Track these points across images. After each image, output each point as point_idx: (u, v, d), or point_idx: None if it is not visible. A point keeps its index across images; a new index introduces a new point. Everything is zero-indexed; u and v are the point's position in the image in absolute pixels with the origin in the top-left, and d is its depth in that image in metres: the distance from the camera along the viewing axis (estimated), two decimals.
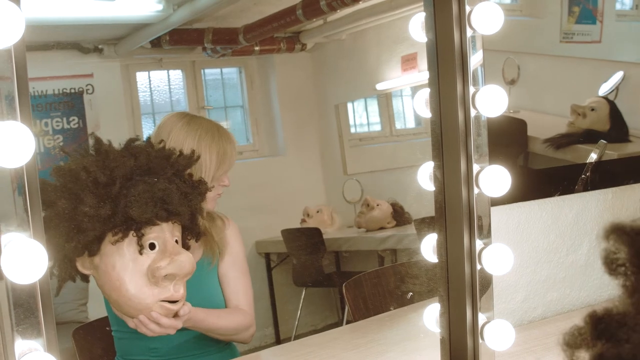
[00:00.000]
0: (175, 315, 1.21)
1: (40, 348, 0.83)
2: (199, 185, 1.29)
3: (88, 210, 1.15)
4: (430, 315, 1.28)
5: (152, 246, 1.20)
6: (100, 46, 3.01)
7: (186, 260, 1.19)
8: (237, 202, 2.58)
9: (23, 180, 0.81)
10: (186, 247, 1.28)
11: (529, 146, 2.44)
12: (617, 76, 2.46)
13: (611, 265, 0.46)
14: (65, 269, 1.22)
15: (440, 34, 1.17)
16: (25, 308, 0.81)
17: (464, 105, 1.16)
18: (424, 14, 1.20)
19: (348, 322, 1.87)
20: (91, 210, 1.15)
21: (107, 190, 1.17)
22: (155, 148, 1.25)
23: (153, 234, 1.19)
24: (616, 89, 2.42)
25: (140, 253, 1.18)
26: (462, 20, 1.15)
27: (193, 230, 1.29)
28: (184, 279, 1.21)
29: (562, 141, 2.29)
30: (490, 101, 1.15)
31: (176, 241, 1.23)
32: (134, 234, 1.18)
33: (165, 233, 1.20)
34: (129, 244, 1.18)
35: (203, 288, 1.38)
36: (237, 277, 1.43)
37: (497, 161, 1.19)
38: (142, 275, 1.18)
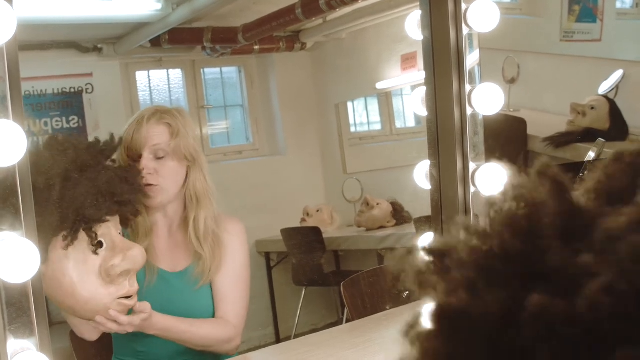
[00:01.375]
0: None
1: (33, 347, 0.82)
2: (128, 167, 1.25)
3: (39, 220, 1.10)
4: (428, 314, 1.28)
5: (99, 244, 1.13)
6: (99, 45, 3.00)
7: (139, 254, 1.14)
8: (236, 202, 2.58)
9: (15, 179, 0.81)
10: (126, 223, 1.25)
11: (528, 145, 2.44)
12: (617, 75, 2.46)
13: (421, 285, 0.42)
14: None
15: (437, 31, 1.16)
16: (17, 307, 0.81)
17: (460, 104, 1.16)
18: (420, 11, 1.20)
19: (348, 321, 1.87)
20: (39, 219, 1.01)
21: (48, 195, 1.09)
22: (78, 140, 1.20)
23: (100, 231, 1.13)
24: (616, 87, 2.42)
25: (96, 253, 1.12)
26: (459, 18, 1.14)
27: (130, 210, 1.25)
28: (135, 272, 1.17)
29: (561, 140, 2.28)
30: (486, 99, 1.15)
31: (121, 234, 1.18)
32: (87, 235, 1.11)
33: (110, 229, 1.14)
34: (77, 248, 1.11)
35: (184, 299, 1.31)
36: (229, 285, 1.36)
37: (496, 159, 1.19)
38: (95, 277, 1.12)
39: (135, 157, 1.26)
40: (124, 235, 1.19)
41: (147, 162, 1.26)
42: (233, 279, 1.35)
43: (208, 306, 1.33)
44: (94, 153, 1.15)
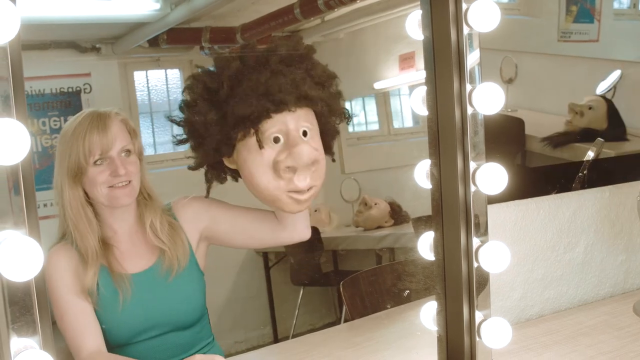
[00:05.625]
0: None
1: (36, 346, 0.82)
2: (313, 67, 1.30)
3: (199, 119, 1.23)
4: (427, 313, 1.28)
5: (276, 140, 1.23)
6: (97, 45, 3.00)
7: (303, 151, 1.22)
8: (233, 202, 2.57)
9: (19, 177, 0.81)
10: (330, 127, 1.33)
11: (526, 145, 2.44)
12: (615, 75, 2.46)
13: None
14: (212, 173, 1.31)
15: (437, 31, 1.17)
16: (20, 306, 0.81)
17: (460, 103, 1.16)
18: (420, 11, 1.20)
19: (346, 321, 1.87)
20: (201, 117, 1.23)
21: (218, 95, 1.23)
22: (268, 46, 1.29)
23: (274, 128, 1.22)
24: (614, 87, 2.42)
25: (261, 147, 1.22)
26: (459, 17, 1.15)
27: (329, 111, 1.32)
28: (307, 169, 1.24)
29: (559, 140, 2.29)
30: (487, 99, 1.15)
31: (304, 132, 1.25)
32: (253, 131, 1.21)
33: (287, 125, 1.23)
34: (254, 141, 1.22)
35: (162, 295, 1.29)
36: (244, 217, 1.39)
37: (494, 159, 1.19)
38: (268, 169, 1.23)
39: (94, 159, 1.24)
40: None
41: (120, 162, 1.25)
42: (239, 215, 1.38)
43: (186, 297, 1.32)
44: (269, 56, 1.24)
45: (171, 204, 1.36)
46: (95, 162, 1.24)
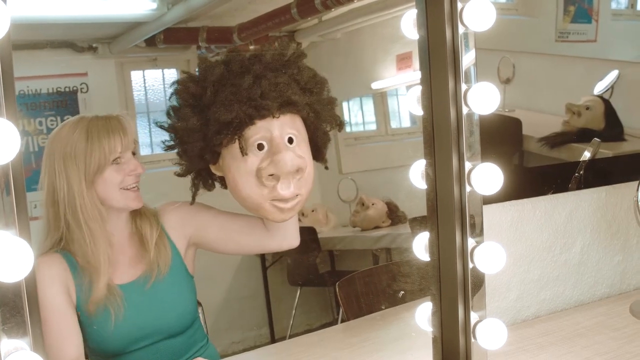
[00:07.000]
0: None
1: (27, 347, 0.82)
2: (299, 73, 1.27)
3: (181, 124, 1.20)
4: (423, 314, 1.28)
5: (260, 147, 1.20)
6: (94, 45, 2.99)
7: (286, 159, 1.18)
8: (231, 202, 2.57)
9: (9, 177, 0.80)
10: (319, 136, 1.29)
11: (524, 145, 2.43)
12: (612, 75, 2.46)
13: None
14: (199, 179, 1.29)
15: (432, 30, 1.16)
16: (11, 307, 0.81)
17: (455, 103, 1.16)
18: (416, 10, 1.20)
19: (343, 322, 1.87)
20: (183, 123, 1.20)
21: (202, 100, 1.20)
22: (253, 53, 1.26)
23: (258, 134, 1.19)
24: (611, 87, 2.42)
25: (244, 154, 1.19)
26: (454, 16, 1.14)
27: (317, 117, 1.28)
28: (291, 177, 1.21)
29: (557, 140, 2.28)
30: (482, 98, 1.15)
31: (290, 139, 1.22)
32: (236, 138, 1.19)
33: (271, 132, 1.20)
34: (238, 147, 1.20)
35: (150, 305, 1.27)
36: (226, 228, 1.36)
37: (491, 160, 1.19)
38: (251, 176, 1.20)
39: (114, 157, 1.23)
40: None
41: (136, 162, 1.25)
42: (223, 226, 1.36)
43: (177, 303, 1.31)
44: (254, 61, 1.21)
45: (157, 209, 1.34)
46: (113, 161, 1.24)
